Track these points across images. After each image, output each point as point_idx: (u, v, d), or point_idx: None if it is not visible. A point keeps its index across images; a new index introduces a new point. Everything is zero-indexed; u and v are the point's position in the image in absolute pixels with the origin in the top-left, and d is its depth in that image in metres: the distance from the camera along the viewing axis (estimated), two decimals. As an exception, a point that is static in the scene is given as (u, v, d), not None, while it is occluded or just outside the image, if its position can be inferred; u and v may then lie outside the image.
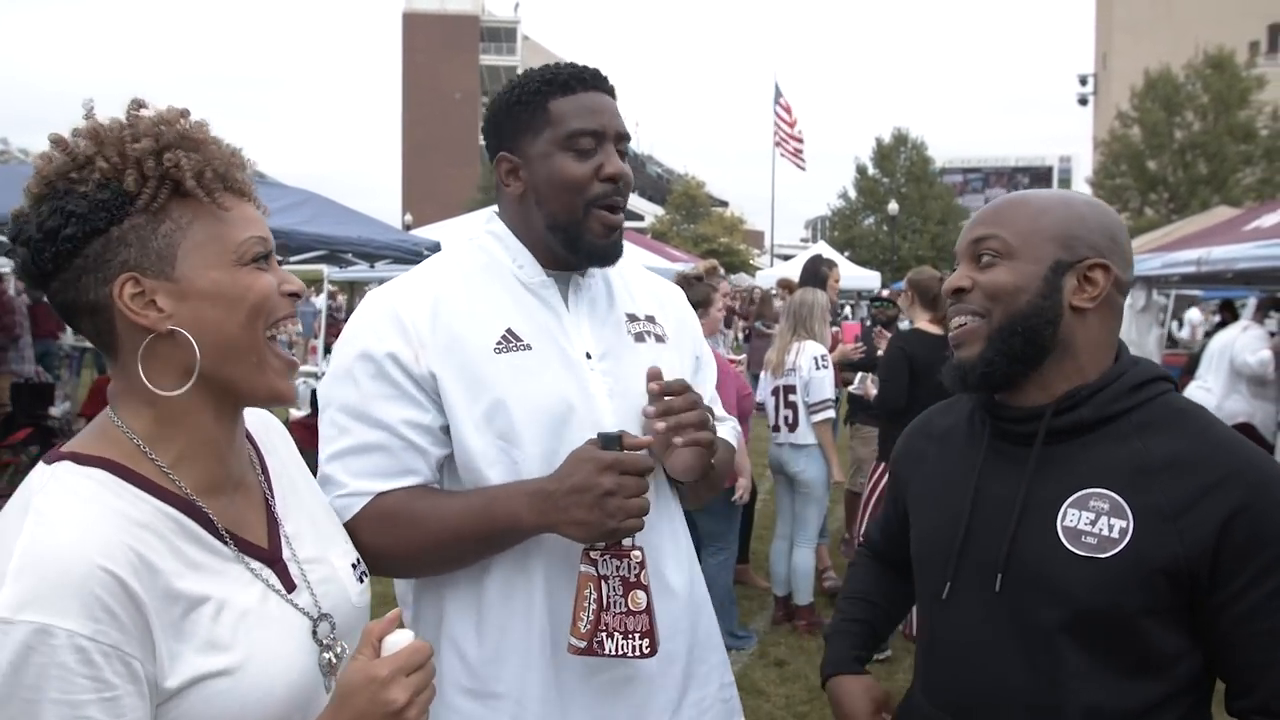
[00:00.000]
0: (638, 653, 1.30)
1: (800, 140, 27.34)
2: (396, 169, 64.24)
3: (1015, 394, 1.28)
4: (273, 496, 1.14)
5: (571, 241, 1.47)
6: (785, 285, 8.33)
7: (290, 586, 1.08)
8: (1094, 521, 1.18)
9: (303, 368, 12.42)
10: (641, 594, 1.31)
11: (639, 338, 1.56)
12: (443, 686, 1.38)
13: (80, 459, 0.97)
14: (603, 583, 1.31)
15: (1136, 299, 9.59)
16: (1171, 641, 1.17)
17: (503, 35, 67.46)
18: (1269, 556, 1.12)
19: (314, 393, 7.72)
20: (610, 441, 1.31)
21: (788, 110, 27.21)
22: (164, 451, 1.01)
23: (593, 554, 1.32)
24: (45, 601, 0.85)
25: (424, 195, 54.41)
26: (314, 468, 1.36)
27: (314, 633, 1.07)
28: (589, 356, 1.49)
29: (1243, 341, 6.91)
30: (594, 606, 1.30)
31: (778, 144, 27.39)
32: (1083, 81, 51.67)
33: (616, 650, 1.30)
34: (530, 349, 1.44)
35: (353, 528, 1.34)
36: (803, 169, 27.38)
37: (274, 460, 1.19)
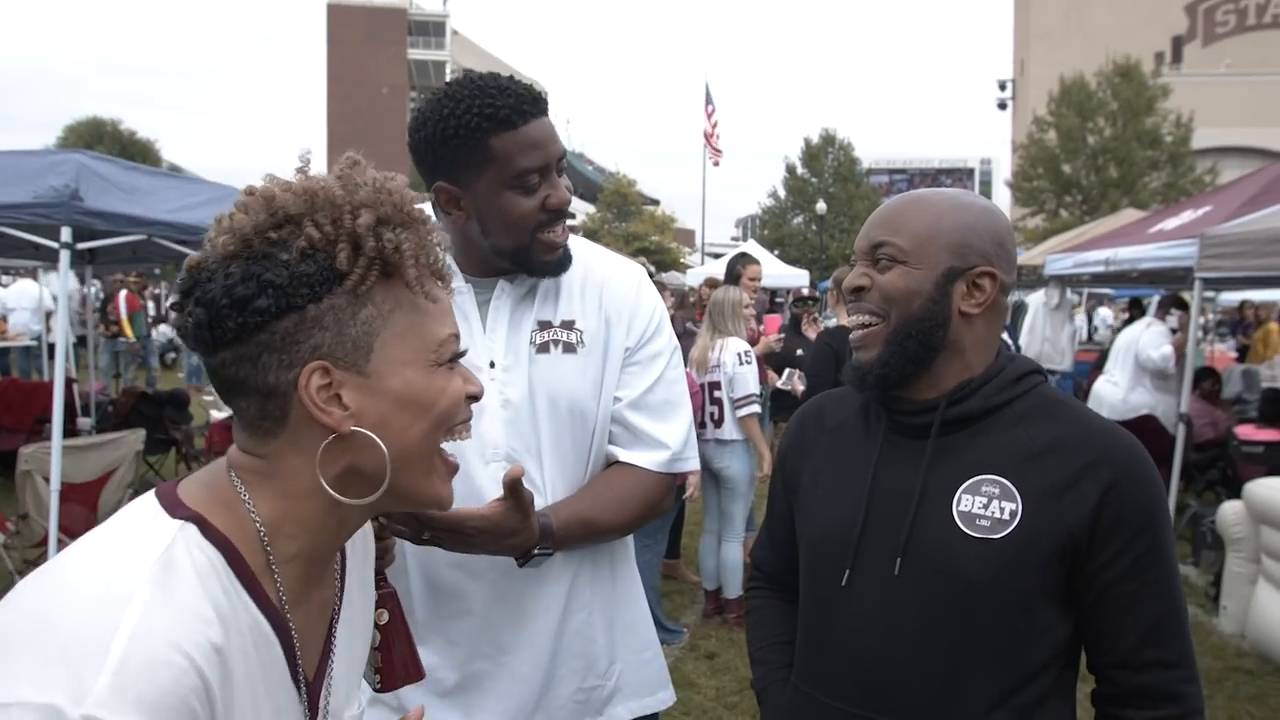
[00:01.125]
0: (374, 686, 1.26)
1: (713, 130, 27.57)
2: (320, 164, 62.69)
3: (908, 389, 1.34)
4: (337, 626, 0.98)
5: (521, 263, 1.50)
6: (710, 284, 8.42)
7: None
8: (986, 505, 1.26)
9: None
10: (376, 633, 1.25)
11: (542, 348, 1.54)
12: None
13: (206, 529, 0.82)
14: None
15: (1051, 297, 9.97)
16: (1053, 612, 1.26)
17: (431, 29, 66.45)
18: (1133, 528, 1.23)
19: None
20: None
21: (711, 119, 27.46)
22: (279, 548, 0.86)
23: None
24: (132, 700, 0.70)
25: (351, 191, 53.15)
26: None
27: None
28: (493, 365, 1.51)
29: (1146, 338, 7.23)
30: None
31: (708, 147, 27.61)
32: (1002, 87, 53.40)
33: (371, 683, 1.27)
34: None
35: None
36: (715, 158, 27.65)
37: (350, 584, 1.02)
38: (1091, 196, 32.34)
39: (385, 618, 1.27)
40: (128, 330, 12.43)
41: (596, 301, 1.60)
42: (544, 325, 1.56)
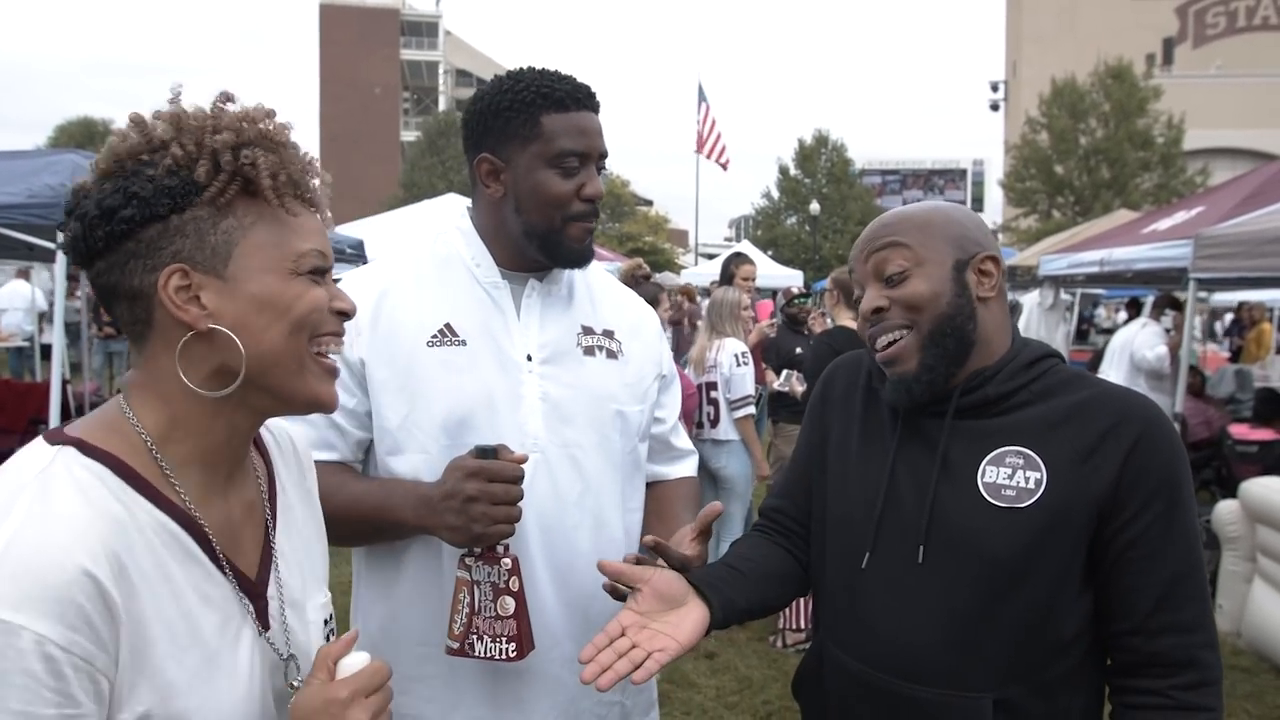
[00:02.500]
0: (504, 656, 1.33)
1: (716, 149, 27.54)
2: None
3: None
4: (274, 526, 1.07)
5: (548, 249, 1.53)
6: (686, 293, 8.51)
7: (264, 625, 1.01)
8: (1011, 475, 1.26)
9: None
10: (510, 600, 1.34)
11: (589, 351, 1.59)
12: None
13: (86, 449, 0.90)
14: (475, 587, 1.34)
15: (1045, 297, 10.02)
16: (1079, 584, 1.26)
17: (424, 29, 66.34)
18: (1151, 487, 1.22)
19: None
20: (485, 453, 1.34)
21: (709, 126, 27.39)
22: (171, 453, 0.94)
23: (467, 560, 1.36)
24: (19, 600, 0.78)
25: (343, 192, 52.93)
26: None
27: (285, 674, 1.02)
28: (530, 359, 1.52)
29: (1141, 338, 7.26)
30: (467, 610, 1.34)
31: (700, 148, 27.57)
32: (994, 88, 53.57)
33: (485, 653, 1.33)
34: (464, 345, 1.49)
35: None
36: (709, 157, 27.57)
37: (282, 486, 1.12)
38: (1084, 197, 32.48)
39: (518, 584, 1.34)
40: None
41: (634, 324, 1.69)
42: (587, 330, 1.61)
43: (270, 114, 0.98)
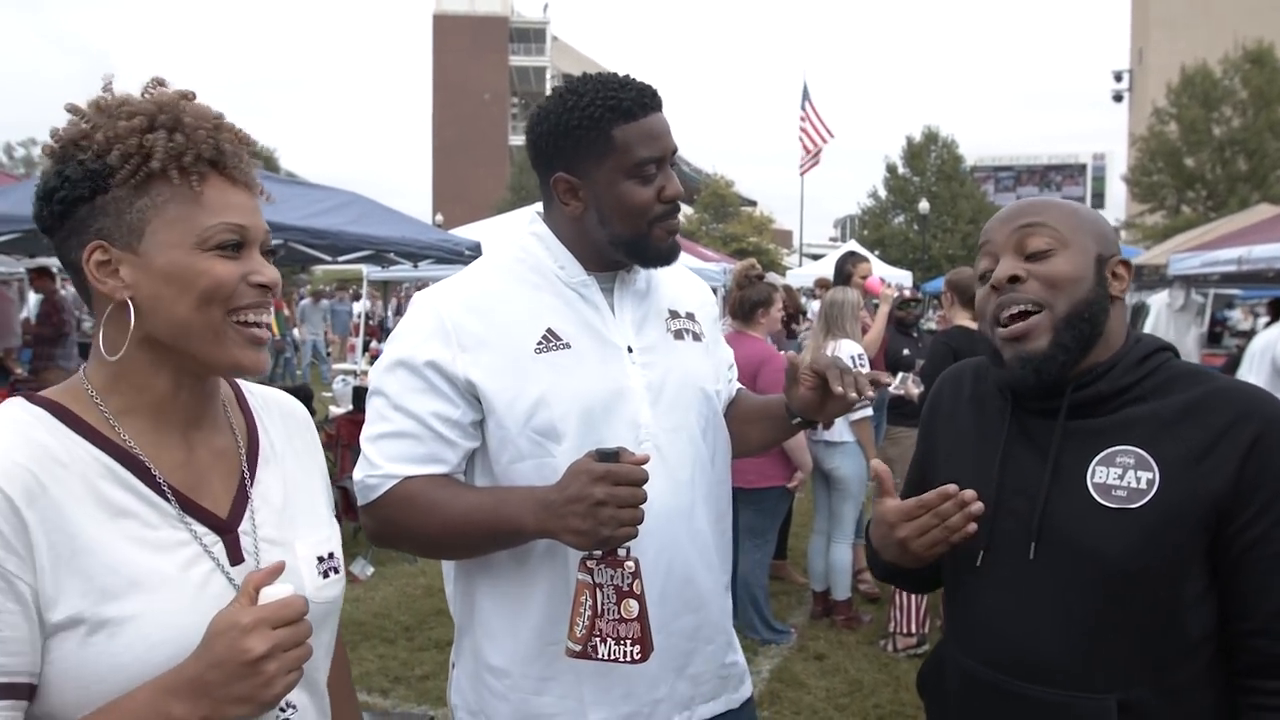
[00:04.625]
0: (629, 658, 1.35)
1: (823, 139, 27.05)
2: (426, 170, 64.80)
3: None
4: (250, 475, 1.14)
5: (637, 253, 1.57)
6: (822, 285, 8.38)
7: (237, 559, 1.07)
8: (1122, 476, 1.25)
9: (339, 365, 12.63)
10: (634, 603, 1.35)
11: (678, 335, 1.65)
12: (475, 664, 1.57)
13: (31, 398, 1.03)
14: (598, 590, 1.36)
15: (1175, 298, 9.52)
16: (1200, 587, 1.23)
17: (532, 36, 67.75)
18: (1274, 487, 1.20)
19: (355, 390, 7.87)
20: (607, 456, 1.35)
21: (809, 117, 26.95)
22: (114, 404, 1.04)
23: (589, 563, 1.37)
24: None
25: (454, 196, 54.85)
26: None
27: None
28: (630, 350, 1.58)
29: (1285, 341, 6.82)
30: (589, 613, 1.35)
31: (805, 151, 27.16)
32: (1118, 78, 51.01)
33: (609, 655, 1.35)
34: (569, 347, 1.53)
35: (380, 504, 1.49)
36: (813, 157, 27.07)
37: (266, 440, 1.20)
38: (1217, 191, 30.59)
39: (640, 587, 1.36)
40: (275, 329, 13.14)
41: (704, 304, 1.77)
42: (674, 315, 1.67)
43: (186, 95, 1.06)
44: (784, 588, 5.58)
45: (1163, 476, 1.22)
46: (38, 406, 1.01)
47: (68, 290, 9.91)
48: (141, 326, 1.02)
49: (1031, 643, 1.28)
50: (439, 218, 25.69)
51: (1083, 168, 62.35)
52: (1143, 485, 1.23)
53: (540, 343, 1.51)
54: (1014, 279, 1.32)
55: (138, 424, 1.05)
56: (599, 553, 1.37)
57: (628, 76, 1.55)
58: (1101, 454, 1.27)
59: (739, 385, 1.88)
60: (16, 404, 1.02)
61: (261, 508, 1.12)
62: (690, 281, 1.80)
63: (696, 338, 1.68)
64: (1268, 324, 10.36)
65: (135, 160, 1.00)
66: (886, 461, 5.64)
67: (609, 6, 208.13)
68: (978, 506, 1.29)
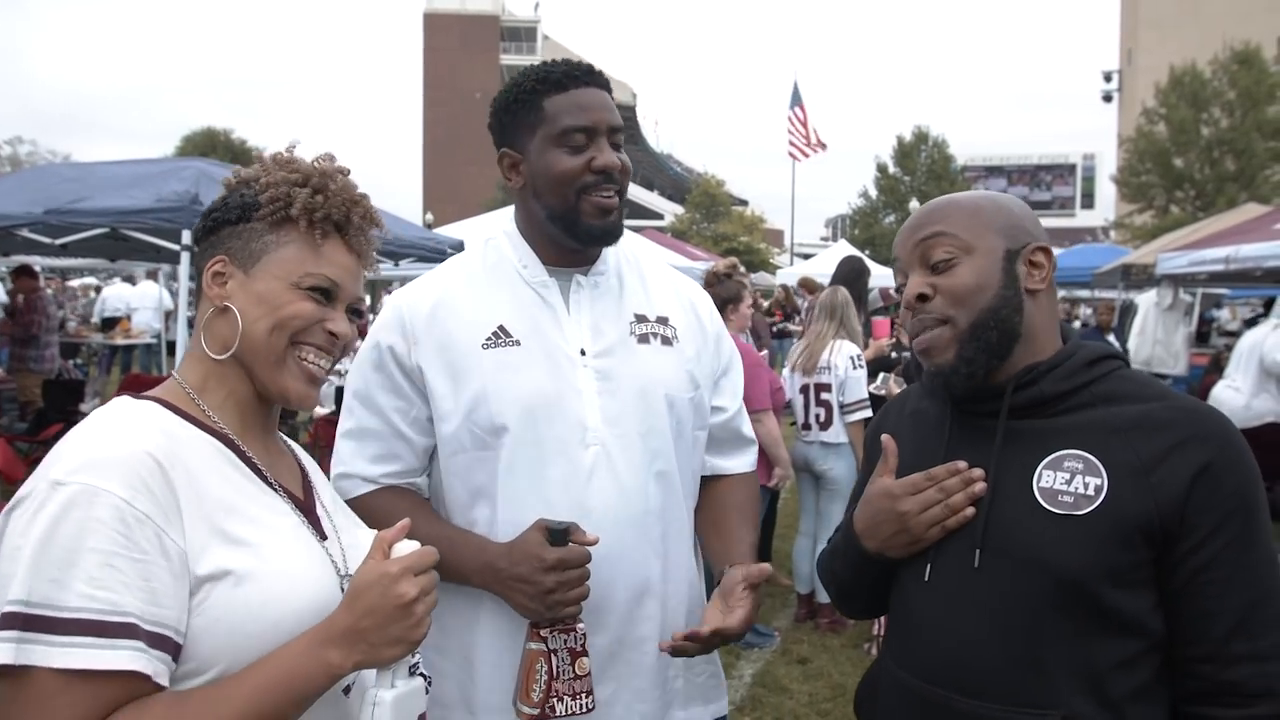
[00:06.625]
0: (584, 710, 1.41)
1: (811, 142, 27.05)
2: (417, 169, 64.66)
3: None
4: (311, 477, 1.29)
5: (569, 228, 1.54)
6: (805, 285, 8.40)
7: (322, 536, 1.20)
8: (1069, 480, 1.21)
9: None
10: (586, 660, 1.42)
11: (643, 339, 1.60)
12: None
13: (138, 396, 1.15)
14: (552, 656, 1.40)
15: (1163, 297, 9.51)
16: (1143, 599, 1.19)
17: (523, 35, 67.67)
18: (1226, 509, 1.17)
19: (337, 390, 7.79)
20: (558, 536, 1.39)
21: (802, 121, 26.93)
22: (208, 399, 1.18)
23: (542, 632, 1.41)
24: (94, 470, 1.00)
25: (444, 195, 54.72)
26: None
27: (341, 588, 1.16)
28: (583, 353, 1.55)
29: (1273, 340, 6.81)
30: (545, 678, 1.40)
31: (791, 150, 27.16)
32: (1107, 78, 51.25)
33: (566, 711, 1.40)
34: (519, 345, 1.52)
35: (351, 505, 1.51)
36: (798, 159, 27.06)
37: (308, 463, 1.34)
38: (1206, 191, 30.70)
39: (587, 641, 1.44)
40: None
41: (689, 310, 1.70)
42: (640, 319, 1.62)
43: (343, 170, 1.24)
44: (768, 590, 5.51)
45: (1111, 484, 1.19)
46: (147, 402, 1.14)
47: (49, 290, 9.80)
48: (225, 333, 1.16)
49: (971, 656, 1.24)
50: (429, 216, 25.59)
51: (1073, 168, 62.63)
52: (1090, 491, 1.19)
53: (490, 338, 1.52)
54: (921, 297, 1.31)
55: (230, 417, 1.18)
56: (549, 624, 1.41)
57: (568, 59, 1.58)
58: (1049, 457, 1.23)
59: (734, 416, 1.75)
60: (124, 400, 1.14)
61: (324, 496, 1.29)
62: (676, 286, 1.73)
63: (666, 342, 1.62)
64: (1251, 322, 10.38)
65: (279, 204, 1.17)
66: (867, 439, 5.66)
67: (600, 5, 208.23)
68: (980, 486, 1.27)
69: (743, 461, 1.77)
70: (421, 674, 1.14)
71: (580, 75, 1.54)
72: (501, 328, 1.53)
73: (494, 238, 1.65)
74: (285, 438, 1.33)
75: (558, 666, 1.40)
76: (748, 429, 1.79)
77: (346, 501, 1.51)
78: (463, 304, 1.55)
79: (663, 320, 1.64)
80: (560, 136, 1.51)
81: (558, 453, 1.48)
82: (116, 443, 1.03)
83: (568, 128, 1.50)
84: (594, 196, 1.52)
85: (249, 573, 1.05)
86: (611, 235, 1.57)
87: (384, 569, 1.04)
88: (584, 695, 1.41)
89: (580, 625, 1.42)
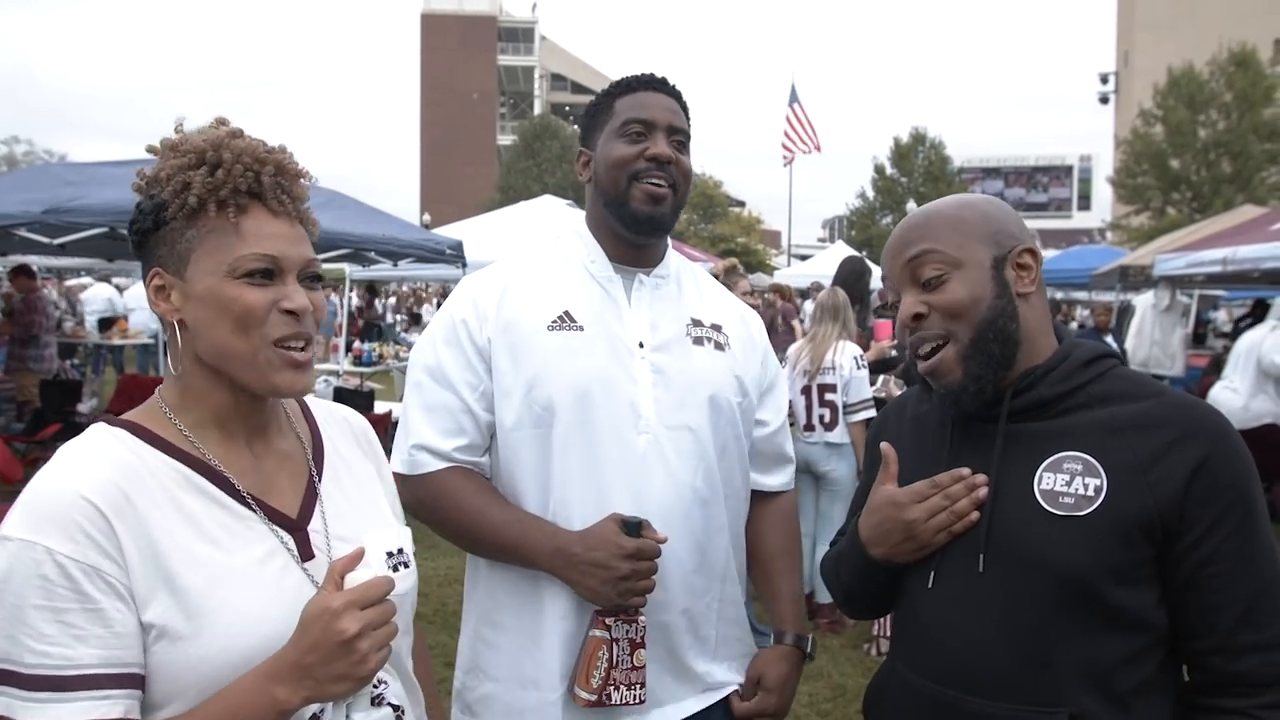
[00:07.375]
0: (637, 700, 1.49)
1: (812, 139, 27.00)
2: (414, 169, 64.54)
3: None
4: (319, 477, 1.23)
5: (619, 211, 1.63)
6: (817, 289, 8.44)
7: (308, 556, 1.15)
8: (1069, 482, 1.23)
9: (321, 366, 12.51)
10: (643, 653, 1.49)
11: (697, 340, 1.68)
12: (475, 627, 1.65)
13: (113, 421, 1.12)
14: (614, 645, 1.47)
15: (1160, 298, 9.52)
16: (1146, 595, 1.21)
17: (520, 35, 67.61)
18: (1224, 503, 1.18)
19: (336, 390, 7.78)
20: (632, 528, 1.46)
21: (801, 122, 26.88)
22: (185, 418, 1.13)
23: (606, 619, 1.48)
24: (35, 525, 0.99)
25: (442, 195, 54.62)
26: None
27: None
28: (641, 345, 1.62)
29: (1271, 341, 6.83)
30: (605, 665, 1.46)
31: (786, 151, 27.11)
32: (1104, 80, 51.26)
33: (621, 700, 1.48)
34: (582, 330, 1.60)
35: (418, 482, 1.59)
36: (790, 156, 27.01)
37: (331, 447, 1.29)
38: (1202, 193, 30.72)
39: (646, 635, 1.50)
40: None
41: (741, 322, 1.79)
42: (696, 322, 1.70)
43: (235, 133, 1.13)
44: (768, 590, 5.53)
45: (1110, 484, 1.21)
46: (118, 428, 1.10)
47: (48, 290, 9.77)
48: (191, 347, 1.11)
49: (980, 656, 1.25)
50: (426, 217, 25.56)
51: (1069, 169, 62.66)
52: (1090, 492, 1.21)
53: (555, 321, 1.59)
54: (917, 316, 1.32)
55: (208, 435, 1.14)
56: (615, 612, 1.47)
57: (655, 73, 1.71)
58: (1049, 459, 1.25)
59: (776, 431, 1.83)
60: (99, 428, 1.10)
61: (330, 506, 1.22)
62: (730, 300, 1.83)
63: (719, 347, 1.70)
64: (1249, 324, 10.39)
65: (181, 195, 1.09)
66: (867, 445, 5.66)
67: (598, 6, 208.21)
68: (984, 491, 1.28)
69: (781, 479, 1.85)
70: (390, 704, 1.14)
71: (650, 81, 1.68)
72: (567, 313, 1.61)
73: (564, 235, 1.74)
74: (320, 415, 1.30)
75: (618, 656, 1.46)
76: (789, 446, 1.87)
77: (417, 477, 1.58)
78: (532, 288, 1.64)
79: (716, 327, 1.72)
80: (621, 128, 1.64)
81: (612, 436, 1.55)
82: (59, 489, 1.01)
83: (628, 119, 1.63)
84: (644, 183, 1.61)
85: (187, 634, 1.03)
86: (658, 224, 1.64)
87: (327, 603, 1.01)
88: (638, 686, 1.48)
89: (642, 618, 1.48)
